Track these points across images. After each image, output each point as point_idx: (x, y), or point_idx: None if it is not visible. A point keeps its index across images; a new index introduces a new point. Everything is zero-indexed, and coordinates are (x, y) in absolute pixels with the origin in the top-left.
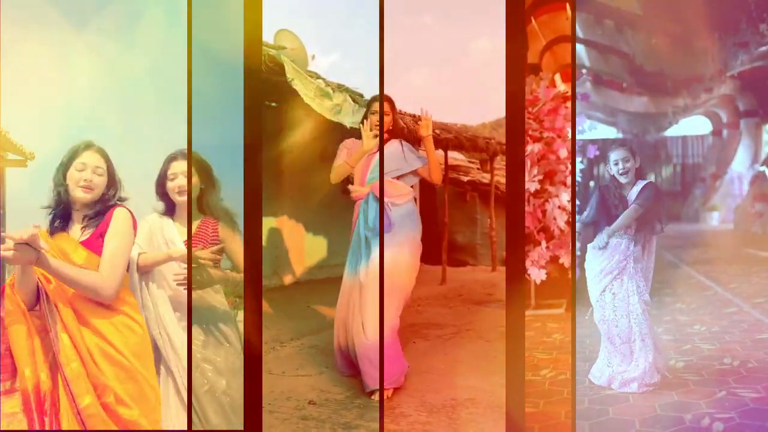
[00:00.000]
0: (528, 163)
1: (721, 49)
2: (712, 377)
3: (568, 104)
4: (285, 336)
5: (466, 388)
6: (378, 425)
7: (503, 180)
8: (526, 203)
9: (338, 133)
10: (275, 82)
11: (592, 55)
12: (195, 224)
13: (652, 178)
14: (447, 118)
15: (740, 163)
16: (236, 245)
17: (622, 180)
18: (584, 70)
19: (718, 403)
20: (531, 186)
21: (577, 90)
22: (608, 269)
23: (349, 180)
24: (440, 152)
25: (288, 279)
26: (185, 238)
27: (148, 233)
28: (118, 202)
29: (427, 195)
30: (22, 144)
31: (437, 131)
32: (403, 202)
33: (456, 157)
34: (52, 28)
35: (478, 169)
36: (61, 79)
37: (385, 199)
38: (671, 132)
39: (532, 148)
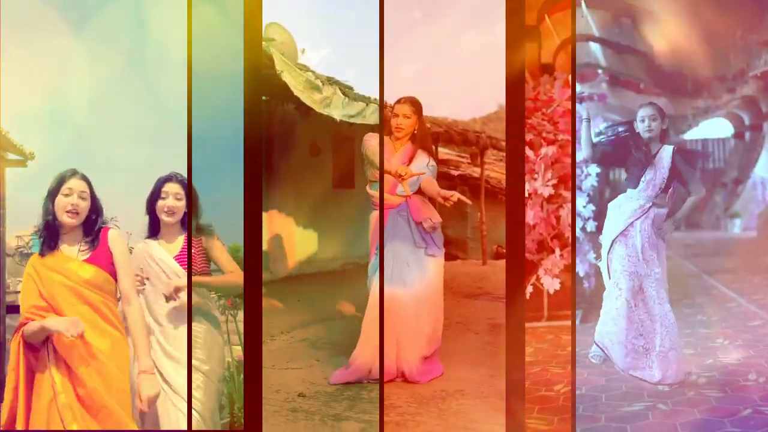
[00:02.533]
0: (542, 166)
1: (743, 48)
2: (736, 394)
3: (584, 105)
4: (275, 329)
5: (456, 379)
6: (367, 417)
7: (493, 174)
8: (540, 209)
9: (328, 125)
10: (265, 74)
11: (608, 55)
12: (179, 240)
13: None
14: (438, 112)
15: (763, 168)
16: (219, 252)
17: (645, 135)
18: (600, 70)
19: (743, 422)
20: (545, 191)
21: (593, 90)
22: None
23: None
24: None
25: (278, 273)
26: (172, 254)
27: (138, 263)
28: (104, 225)
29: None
30: (22, 144)
31: (428, 125)
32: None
33: (446, 151)
34: (52, 30)
35: (468, 163)
36: (61, 80)
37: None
38: (691, 135)
39: (546, 151)
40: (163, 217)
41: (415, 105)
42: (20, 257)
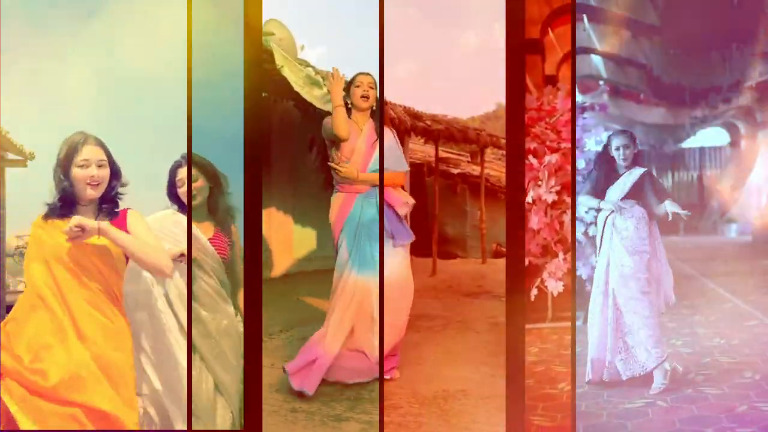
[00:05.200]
0: (545, 173)
1: (739, 59)
2: (732, 391)
3: (586, 115)
4: (274, 328)
5: (457, 379)
6: (367, 417)
7: (493, 172)
8: (543, 214)
9: None
10: (265, 70)
11: (609, 67)
12: (207, 225)
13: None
14: (437, 109)
15: (758, 175)
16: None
17: (622, 164)
18: (601, 82)
19: (739, 418)
20: (549, 197)
21: (595, 101)
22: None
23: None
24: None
25: (277, 271)
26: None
27: (159, 225)
28: (120, 195)
29: (418, 187)
30: (22, 144)
31: (428, 122)
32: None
33: (446, 149)
34: (52, 29)
35: (468, 161)
36: (61, 80)
37: (399, 210)
38: (689, 143)
39: (550, 158)
40: None
41: (373, 79)
42: (20, 257)
